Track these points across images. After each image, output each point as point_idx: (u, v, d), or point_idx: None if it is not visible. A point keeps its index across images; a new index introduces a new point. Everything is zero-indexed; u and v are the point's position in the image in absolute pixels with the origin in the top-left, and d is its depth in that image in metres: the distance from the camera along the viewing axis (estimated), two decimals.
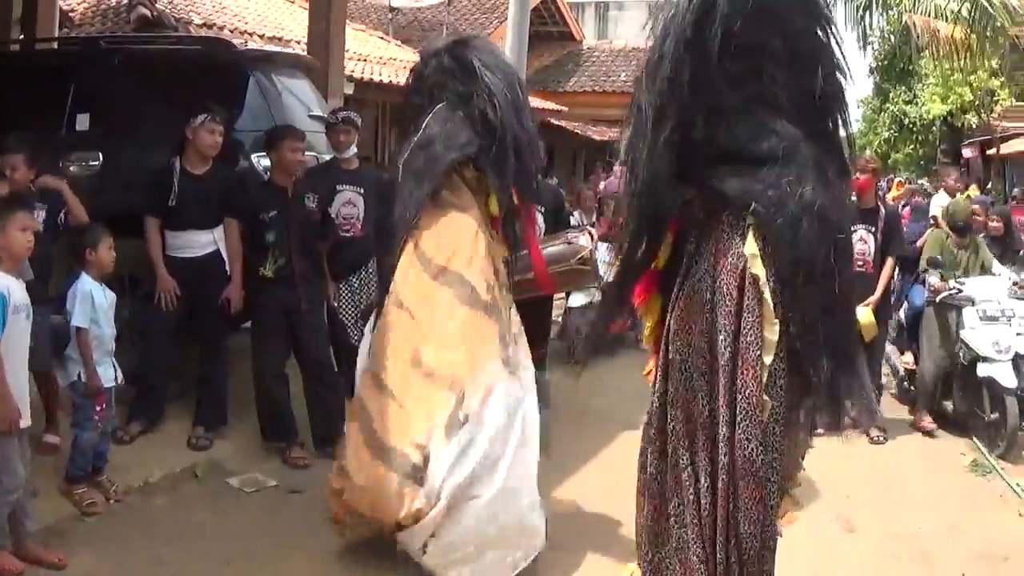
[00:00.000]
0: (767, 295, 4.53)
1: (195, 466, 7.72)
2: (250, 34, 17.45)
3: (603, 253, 12.03)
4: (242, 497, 7.39)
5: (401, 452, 5.94)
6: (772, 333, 4.53)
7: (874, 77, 48.55)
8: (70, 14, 16.81)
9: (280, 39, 17.97)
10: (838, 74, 4.79)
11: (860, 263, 9.79)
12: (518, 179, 6.57)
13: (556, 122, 28.57)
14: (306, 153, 8.63)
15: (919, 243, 11.91)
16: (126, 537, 6.53)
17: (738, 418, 4.52)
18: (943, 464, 9.31)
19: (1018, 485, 8.48)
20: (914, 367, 11.08)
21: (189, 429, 8.08)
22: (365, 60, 20.16)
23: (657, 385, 4.95)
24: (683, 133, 4.65)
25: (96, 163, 9.04)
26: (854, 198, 9.90)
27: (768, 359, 4.53)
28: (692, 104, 4.61)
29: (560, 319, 12.76)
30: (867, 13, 18.09)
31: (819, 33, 4.73)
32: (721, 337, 4.60)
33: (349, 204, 8.80)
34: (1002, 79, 27.82)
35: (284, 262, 7.95)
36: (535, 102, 25.63)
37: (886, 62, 44.73)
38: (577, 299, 12.00)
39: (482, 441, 5.90)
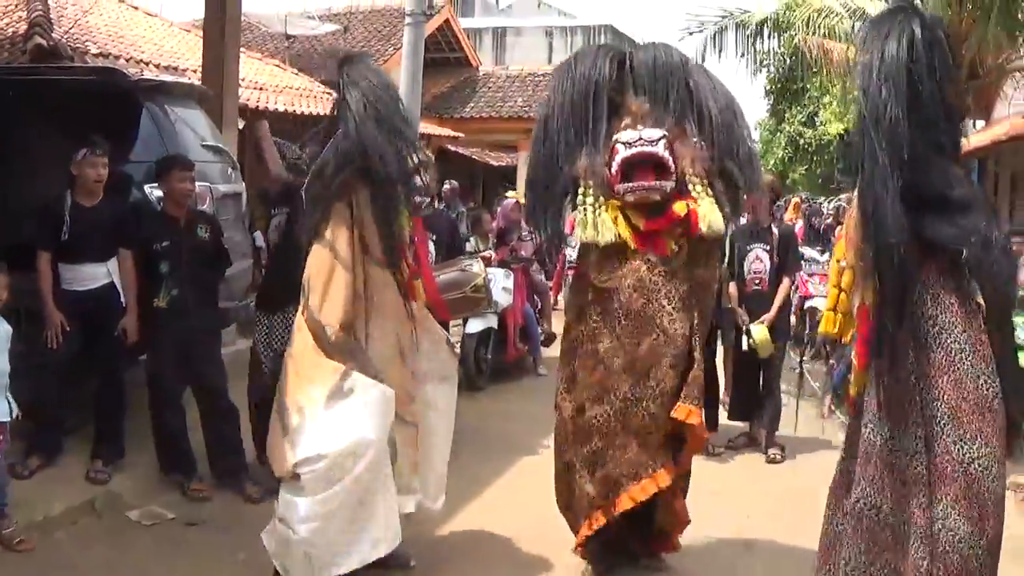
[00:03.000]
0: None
1: (94, 500, 7.62)
2: (146, 63, 17.28)
3: (500, 279, 12.12)
4: (141, 530, 7.33)
5: (287, 409, 6.16)
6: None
7: (769, 99, 49.23)
8: None
9: (177, 68, 17.83)
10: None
11: (756, 282, 10.14)
12: (379, 196, 6.43)
13: (453, 148, 28.68)
14: (199, 183, 8.61)
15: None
16: (26, 573, 6.47)
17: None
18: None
19: None
20: None
21: (88, 462, 7.99)
22: (261, 89, 20.09)
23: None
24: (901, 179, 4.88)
25: None
26: (746, 218, 10.12)
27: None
28: (903, 149, 4.82)
29: (458, 346, 12.81)
30: (758, 37, 18.34)
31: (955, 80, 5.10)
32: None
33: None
34: None
35: (178, 293, 7.93)
36: (431, 129, 25.75)
37: (780, 84, 45.39)
38: (475, 325, 12.04)
39: (359, 418, 6.04)
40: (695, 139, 6.55)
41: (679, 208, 6.40)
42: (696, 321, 6.57)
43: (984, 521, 4.71)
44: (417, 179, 6.73)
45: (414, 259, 6.92)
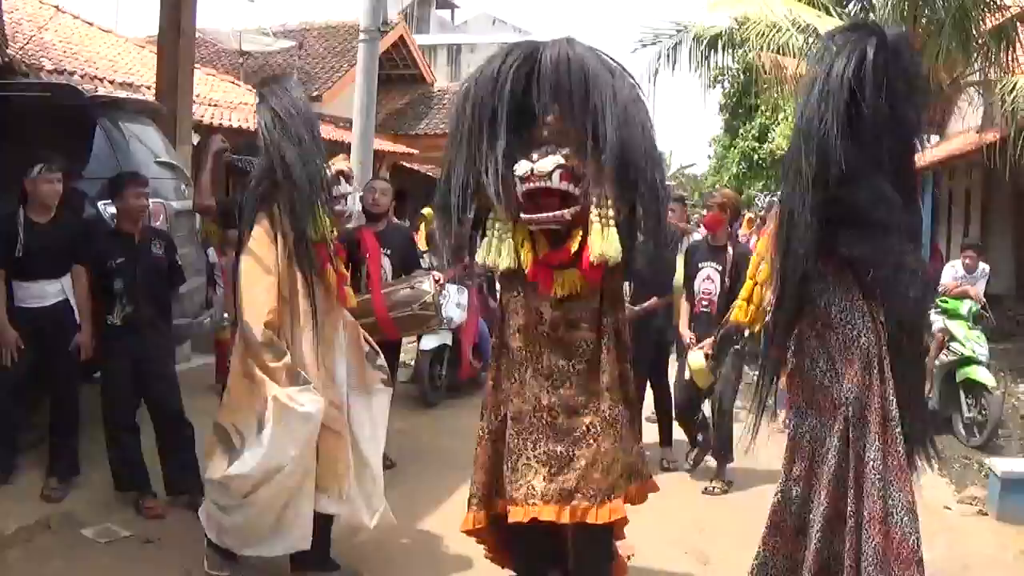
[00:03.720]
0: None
1: (49, 518, 7.60)
2: (101, 79, 17.25)
3: (454, 295, 12.13)
4: (97, 548, 7.31)
5: (224, 429, 6.60)
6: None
7: (723, 115, 49.43)
8: None
9: (131, 84, 17.81)
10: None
11: (705, 303, 9.80)
12: (290, 204, 6.57)
13: (408, 165, 28.69)
14: (153, 200, 8.61)
15: None
16: None
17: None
18: None
19: None
20: None
21: (43, 480, 7.98)
22: (215, 105, 20.07)
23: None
24: (823, 194, 5.00)
25: None
26: (701, 234, 10.02)
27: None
28: (831, 165, 4.94)
29: (412, 362, 12.83)
30: (712, 51, 18.45)
31: (911, 96, 5.09)
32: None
33: None
34: None
35: (132, 310, 7.92)
36: (386, 145, 25.74)
37: (734, 100, 45.63)
38: (429, 342, 12.06)
39: (283, 441, 6.35)
40: (600, 156, 6.01)
41: (573, 239, 6.10)
42: (608, 360, 6.23)
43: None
44: (337, 188, 6.77)
45: (347, 268, 7.08)
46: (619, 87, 6.04)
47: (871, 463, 5.03)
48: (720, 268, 9.76)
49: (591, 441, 6.04)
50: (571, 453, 6.05)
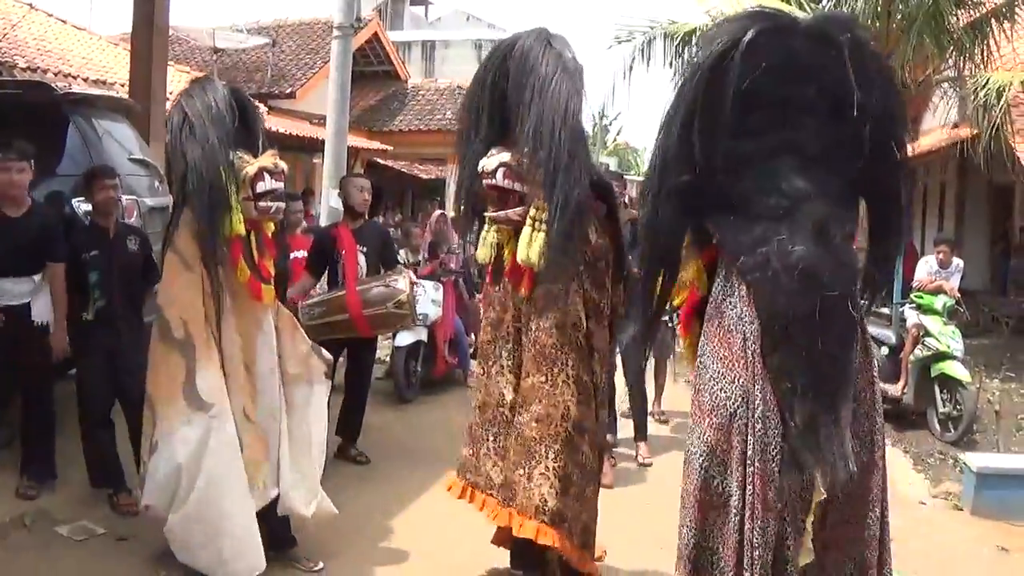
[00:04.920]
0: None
1: (24, 515, 7.56)
2: (74, 77, 17.22)
3: (430, 291, 12.12)
4: (72, 545, 7.27)
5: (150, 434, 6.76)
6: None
7: None
8: None
9: (105, 82, 17.78)
10: (888, 122, 4.95)
11: None
12: (192, 207, 6.66)
13: (382, 161, 28.69)
14: (126, 196, 8.59)
15: None
16: None
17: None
18: None
19: None
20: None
21: (17, 478, 7.95)
22: None
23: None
24: (700, 180, 4.86)
25: None
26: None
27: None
28: (707, 153, 4.80)
29: (388, 358, 12.81)
30: (686, 47, 18.46)
31: (860, 83, 4.90)
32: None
33: None
34: None
35: (105, 304, 7.88)
36: (360, 142, 25.72)
37: None
38: (404, 338, 12.03)
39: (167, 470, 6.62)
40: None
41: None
42: (567, 368, 6.17)
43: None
44: (261, 185, 6.76)
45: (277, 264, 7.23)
46: (550, 68, 5.97)
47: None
48: None
49: (543, 451, 6.07)
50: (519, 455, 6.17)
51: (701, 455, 4.89)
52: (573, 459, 6.09)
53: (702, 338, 5.06)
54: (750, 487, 4.70)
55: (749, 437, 4.74)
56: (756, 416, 4.75)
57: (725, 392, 4.85)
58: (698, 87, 4.81)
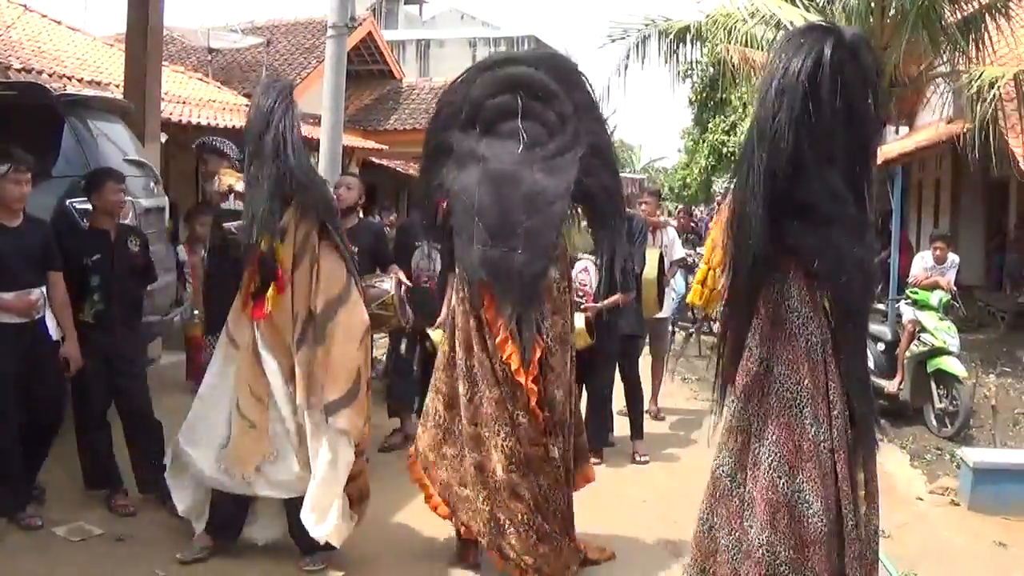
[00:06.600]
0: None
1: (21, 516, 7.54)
2: (69, 78, 17.20)
3: None
4: (69, 546, 7.26)
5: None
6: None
7: (693, 108, 49.58)
8: None
9: (99, 83, 17.75)
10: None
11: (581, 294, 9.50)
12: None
13: (377, 160, 28.65)
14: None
15: None
16: None
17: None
18: None
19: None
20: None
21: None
22: (184, 102, 20.01)
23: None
24: (772, 186, 5.11)
25: None
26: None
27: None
28: (782, 160, 5.06)
29: (383, 358, 12.78)
30: (680, 45, 18.43)
31: (868, 93, 5.27)
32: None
33: None
34: None
35: (104, 307, 7.83)
36: (355, 141, 25.69)
37: (704, 93, 45.74)
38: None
39: None
40: None
41: None
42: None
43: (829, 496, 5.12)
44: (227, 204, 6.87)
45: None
46: None
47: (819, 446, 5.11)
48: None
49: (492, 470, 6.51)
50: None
51: (770, 456, 5.16)
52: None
53: (756, 340, 5.24)
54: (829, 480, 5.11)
55: (823, 435, 5.12)
56: (835, 414, 5.14)
57: (791, 393, 5.18)
58: (793, 98, 5.04)
